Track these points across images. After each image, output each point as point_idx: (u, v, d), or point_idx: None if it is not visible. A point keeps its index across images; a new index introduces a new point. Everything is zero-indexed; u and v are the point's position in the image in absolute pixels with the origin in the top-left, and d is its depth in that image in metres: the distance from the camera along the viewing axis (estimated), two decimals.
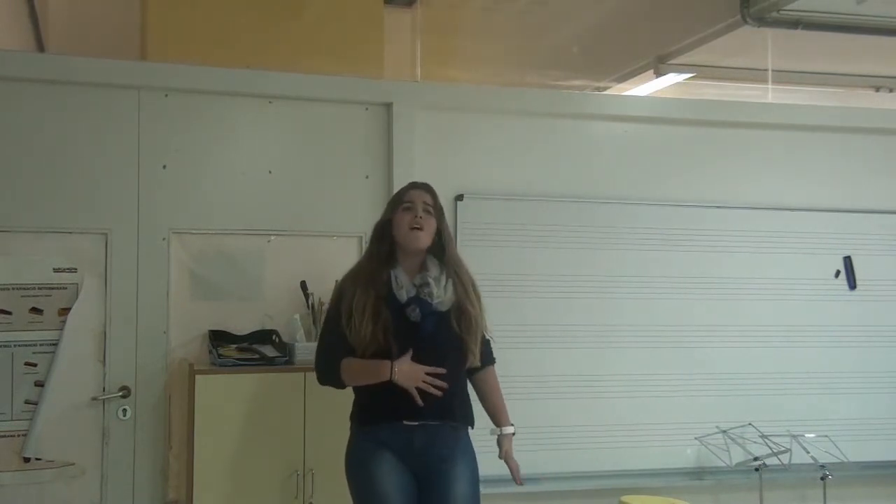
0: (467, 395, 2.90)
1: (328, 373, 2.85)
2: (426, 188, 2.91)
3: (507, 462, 2.91)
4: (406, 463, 2.74)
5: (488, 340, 2.96)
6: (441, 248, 2.86)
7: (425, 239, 2.82)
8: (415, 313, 2.75)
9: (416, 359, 2.73)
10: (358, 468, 2.78)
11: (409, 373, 2.70)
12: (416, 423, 2.73)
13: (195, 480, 3.15)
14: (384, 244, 2.86)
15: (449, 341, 2.79)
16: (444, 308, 2.79)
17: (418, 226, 2.80)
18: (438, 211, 2.87)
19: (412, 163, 3.69)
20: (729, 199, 4.07)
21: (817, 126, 4.23)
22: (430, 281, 2.79)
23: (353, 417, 2.86)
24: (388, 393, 2.73)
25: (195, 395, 3.16)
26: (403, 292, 2.78)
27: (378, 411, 2.76)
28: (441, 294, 2.79)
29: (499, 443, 2.93)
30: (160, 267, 3.47)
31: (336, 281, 3.01)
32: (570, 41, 5.21)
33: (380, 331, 2.71)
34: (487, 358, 2.97)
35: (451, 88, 3.98)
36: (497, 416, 2.95)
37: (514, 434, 2.94)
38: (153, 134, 3.50)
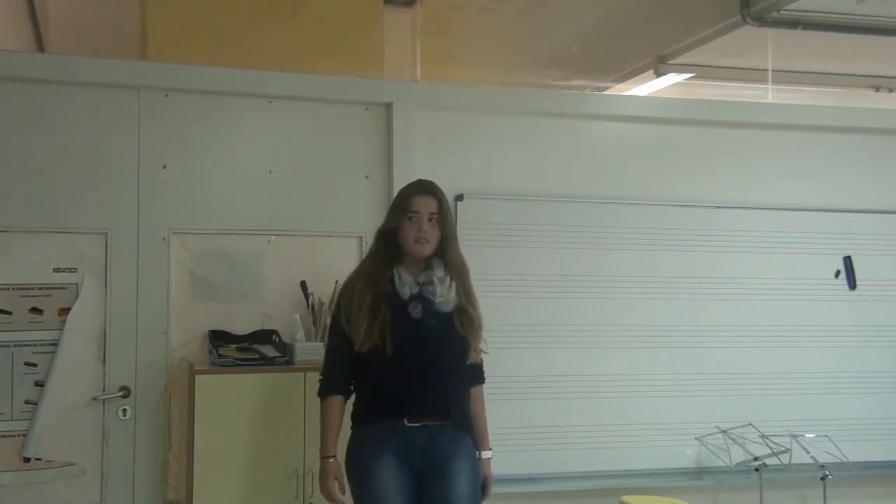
0: (468, 397, 2.89)
1: (320, 396, 2.89)
2: (432, 192, 2.86)
3: (483, 485, 2.87)
4: (407, 463, 2.74)
5: (481, 359, 2.95)
6: (444, 251, 2.85)
7: (430, 249, 2.82)
8: (416, 310, 2.75)
9: (417, 357, 2.74)
10: (359, 468, 2.77)
11: (321, 477, 2.82)
12: (418, 425, 2.73)
13: (195, 480, 3.15)
14: (389, 247, 2.85)
15: (451, 342, 2.79)
16: (446, 308, 2.79)
17: (424, 240, 2.80)
18: (444, 215, 2.84)
19: (412, 163, 3.69)
20: (729, 199, 4.07)
21: (817, 126, 4.23)
22: (435, 280, 2.79)
23: (354, 417, 2.85)
24: (390, 393, 2.75)
25: (195, 395, 3.16)
26: (406, 289, 2.78)
27: (379, 411, 2.76)
28: (444, 293, 2.78)
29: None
30: (160, 267, 3.46)
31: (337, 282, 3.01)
32: (570, 41, 5.21)
33: (375, 329, 2.72)
34: (478, 377, 2.96)
35: (451, 88, 3.98)
36: (477, 439, 2.91)
37: (490, 458, 2.91)
38: (153, 134, 3.49)
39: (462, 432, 2.82)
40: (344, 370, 2.84)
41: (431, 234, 2.81)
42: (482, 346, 2.91)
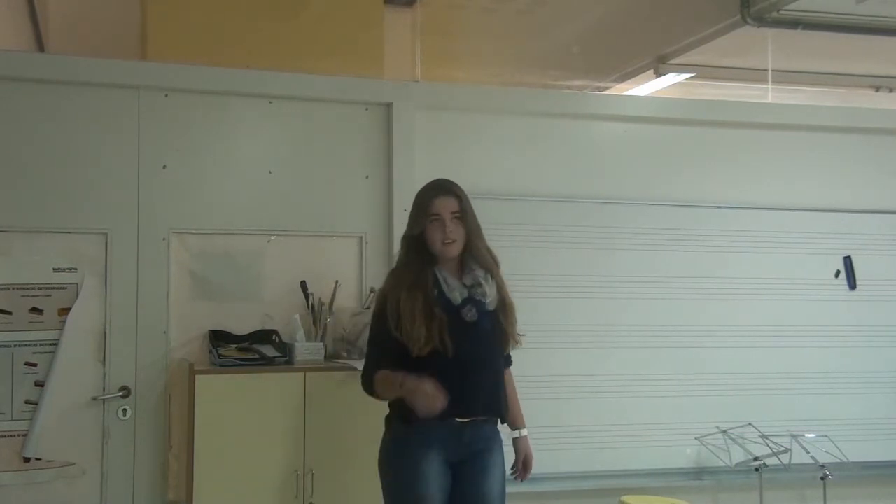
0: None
1: (366, 385, 2.83)
2: (451, 191, 2.85)
3: (526, 462, 2.96)
4: (449, 457, 2.76)
5: None
6: (472, 247, 2.85)
7: (458, 248, 2.83)
8: (471, 314, 2.77)
9: (474, 358, 2.75)
10: (402, 467, 2.77)
11: (415, 389, 2.64)
12: (468, 420, 2.77)
13: (195, 480, 3.15)
14: (421, 251, 2.83)
15: (499, 338, 2.85)
16: (493, 307, 2.82)
17: (450, 240, 2.80)
18: (465, 212, 2.83)
19: (412, 163, 3.70)
20: (729, 199, 4.08)
21: (817, 126, 4.24)
22: (481, 281, 2.82)
23: (398, 417, 2.79)
24: (448, 392, 2.71)
25: (195, 395, 3.16)
26: (456, 294, 2.79)
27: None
28: (491, 293, 2.82)
29: (516, 444, 2.97)
30: (160, 267, 3.47)
31: (372, 289, 3.12)
32: (570, 41, 5.21)
33: (435, 332, 2.71)
34: (509, 361, 3.01)
35: (451, 88, 3.98)
36: (514, 418, 2.99)
37: (527, 435, 2.99)
38: (153, 134, 3.49)
39: (496, 426, 2.88)
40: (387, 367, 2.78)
41: (457, 234, 2.81)
42: (518, 330, 2.93)
